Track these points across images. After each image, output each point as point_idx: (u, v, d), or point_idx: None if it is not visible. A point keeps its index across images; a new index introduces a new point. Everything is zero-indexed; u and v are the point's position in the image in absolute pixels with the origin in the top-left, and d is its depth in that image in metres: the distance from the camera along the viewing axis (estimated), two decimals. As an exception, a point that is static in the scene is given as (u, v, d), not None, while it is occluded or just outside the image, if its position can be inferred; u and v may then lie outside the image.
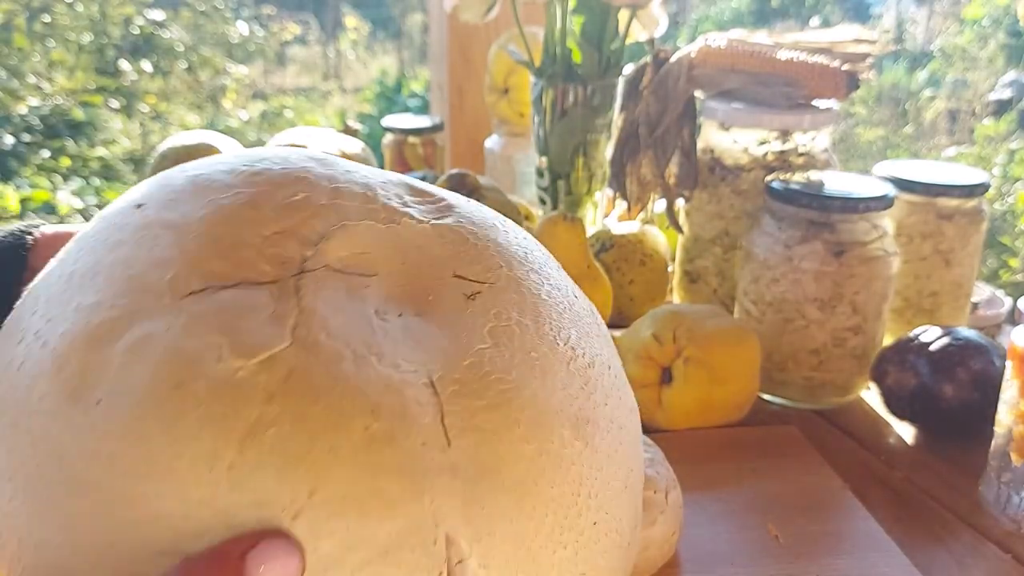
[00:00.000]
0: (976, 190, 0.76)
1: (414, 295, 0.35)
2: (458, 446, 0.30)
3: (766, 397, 0.73)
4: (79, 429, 0.29)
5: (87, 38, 3.81)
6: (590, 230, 0.85)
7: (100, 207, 2.20)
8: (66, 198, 2.27)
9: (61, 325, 0.31)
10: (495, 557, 0.30)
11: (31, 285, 0.34)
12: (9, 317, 0.33)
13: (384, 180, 0.38)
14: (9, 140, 2.71)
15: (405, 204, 0.37)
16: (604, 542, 0.34)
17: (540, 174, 0.90)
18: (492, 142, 1.13)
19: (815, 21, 4.92)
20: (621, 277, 0.81)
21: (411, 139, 1.13)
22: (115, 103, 3.59)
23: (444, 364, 0.32)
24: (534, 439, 0.32)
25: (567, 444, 0.32)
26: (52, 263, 0.34)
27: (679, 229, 0.83)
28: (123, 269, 0.32)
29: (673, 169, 0.80)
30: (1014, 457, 0.57)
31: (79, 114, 3.27)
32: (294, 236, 0.33)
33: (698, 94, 0.80)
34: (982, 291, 0.85)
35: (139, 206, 0.34)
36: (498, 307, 0.35)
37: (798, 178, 0.72)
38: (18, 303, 0.33)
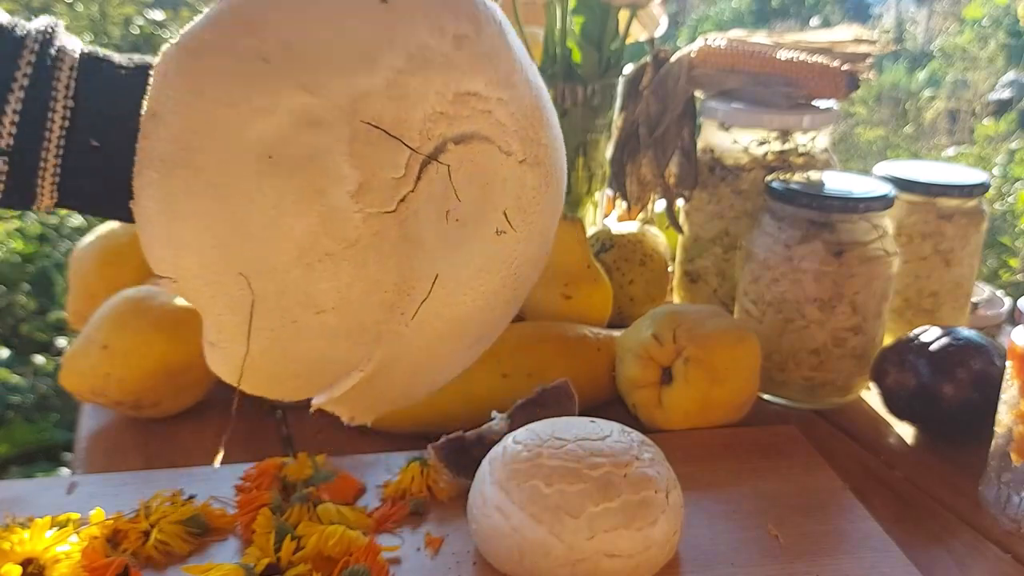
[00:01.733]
0: (976, 190, 0.76)
1: (475, 212, 0.44)
2: (415, 324, 0.45)
3: (766, 397, 0.73)
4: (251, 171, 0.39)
5: (87, 38, 3.81)
6: (590, 230, 0.85)
7: (100, 207, 2.21)
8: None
9: (275, 67, 0.39)
10: (380, 375, 0.47)
11: None
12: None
13: (531, 105, 0.46)
14: (9, 140, 2.71)
15: (524, 137, 0.45)
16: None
17: (540, 174, 0.90)
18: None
19: (815, 21, 4.92)
20: (621, 277, 0.81)
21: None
22: (115, 103, 3.57)
23: (449, 272, 0.44)
24: (451, 340, 0.48)
25: (464, 347, 0.50)
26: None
27: (679, 229, 0.83)
28: (332, 51, 0.39)
29: (673, 169, 0.80)
30: (1014, 457, 0.57)
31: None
32: (448, 123, 0.41)
33: (698, 94, 0.80)
34: (982, 291, 0.85)
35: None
36: (503, 252, 0.46)
37: (798, 178, 0.72)
38: None
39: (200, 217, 0.40)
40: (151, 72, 0.41)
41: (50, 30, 0.42)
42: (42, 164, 0.41)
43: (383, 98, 0.40)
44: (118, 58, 0.44)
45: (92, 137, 0.41)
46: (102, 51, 0.43)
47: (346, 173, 0.39)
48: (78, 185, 0.42)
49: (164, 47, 0.40)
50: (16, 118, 0.40)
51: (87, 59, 0.42)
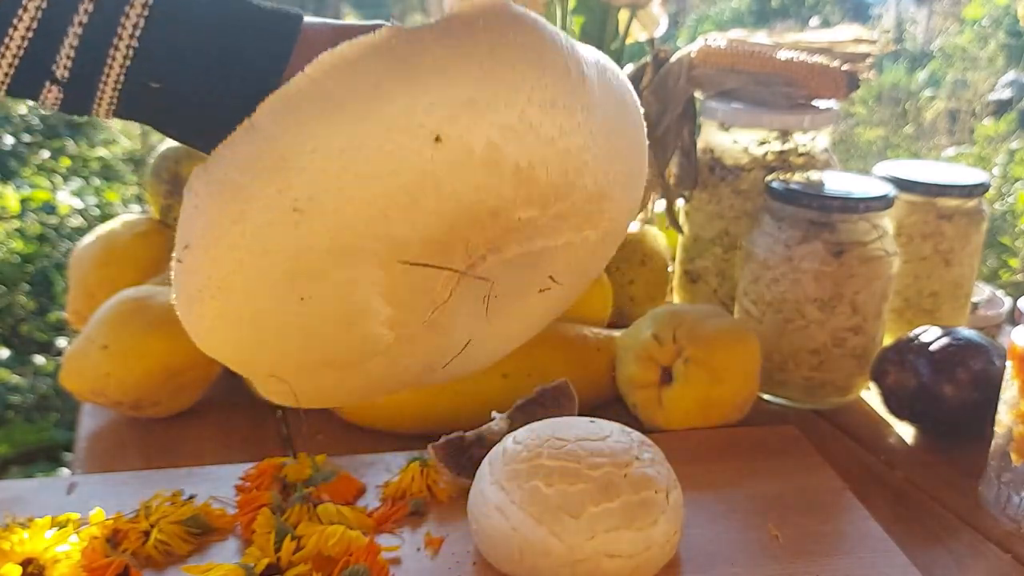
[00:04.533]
0: (976, 190, 0.75)
1: (514, 287, 0.45)
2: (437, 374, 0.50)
3: (766, 397, 0.73)
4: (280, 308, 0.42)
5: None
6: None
7: (100, 207, 2.20)
8: (66, 198, 2.27)
9: (312, 221, 0.39)
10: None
11: None
12: None
13: (602, 189, 0.45)
14: (9, 140, 2.71)
15: (588, 219, 0.45)
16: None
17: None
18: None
19: (815, 21, 4.92)
20: (621, 277, 0.81)
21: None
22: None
23: (478, 336, 0.47)
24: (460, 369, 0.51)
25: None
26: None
27: (679, 229, 0.83)
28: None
29: (673, 169, 0.80)
30: (1014, 457, 0.57)
31: (79, 114, 3.25)
32: (494, 248, 0.42)
33: (698, 94, 0.80)
34: (982, 291, 0.85)
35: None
36: (546, 306, 0.48)
37: (798, 178, 0.72)
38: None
39: (236, 333, 0.43)
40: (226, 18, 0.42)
41: None
42: (98, 96, 0.41)
43: (424, 244, 0.40)
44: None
45: (152, 79, 0.41)
46: None
47: (377, 308, 0.41)
48: (133, 116, 0.43)
49: (193, 171, 0.41)
50: (75, 47, 0.40)
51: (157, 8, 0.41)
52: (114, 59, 0.40)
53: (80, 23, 0.39)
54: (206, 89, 0.41)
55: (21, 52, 0.39)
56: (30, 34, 0.39)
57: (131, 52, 0.40)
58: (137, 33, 0.40)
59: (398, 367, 0.45)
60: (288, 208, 0.38)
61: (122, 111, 0.42)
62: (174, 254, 0.41)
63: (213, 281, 0.40)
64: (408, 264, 0.39)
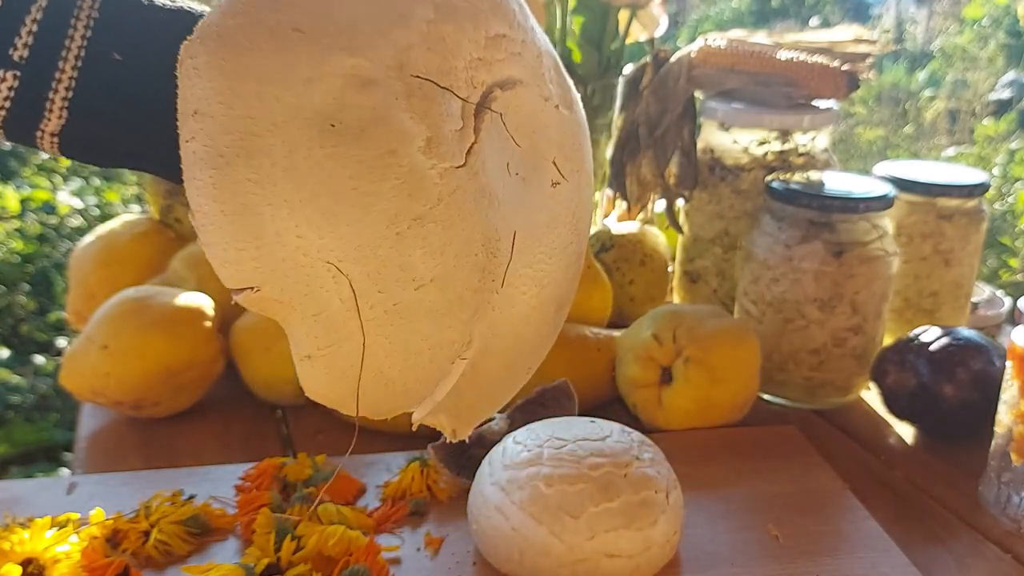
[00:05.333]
0: (976, 190, 0.76)
1: (527, 162, 0.42)
2: (503, 292, 0.41)
3: (766, 397, 0.73)
4: (315, 143, 0.37)
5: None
6: (590, 230, 0.85)
7: (100, 207, 2.20)
8: (66, 198, 2.27)
9: (313, 36, 0.37)
10: (479, 363, 0.41)
11: None
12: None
13: (545, 51, 0.44)
14: (9, 140, 2.71)
15: (552, 82, 0.44)
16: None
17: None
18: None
19: (815, 21, 4.92)
20: (621, 277, 0.81)
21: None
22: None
23: (523, 227, 0.42)
24: (537, 308, 0.43)
25: (547, 320, 0.45)
26: None
27: (679, 229, 0.83)
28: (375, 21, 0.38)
29: (673, 169, 0.80)
30: (1014, 457, 0.57)
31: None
32: (487, 69, 0.40)
33: (698, 94, 0.80)
34: (982, 291, 0.85)
35: None
36: (564, 204, 0.44)
37: (798, 178, 0.72)
38: None
39: (274, 206, 0.36)
40: (188, 12, 0.40)
41: None
42: (57, 75, 0.39)
43: (423, 50, 0.38)
44: None
45: (114, 49, 0.39)
46: None
47: (411, 129, 0.37)
48: (92, 103, 0.40)
49: (183, 45, 0.38)
50: (35, 28, 0.38)
51: None
52: (75, 29, 0.39)
53: (39, 7, 0.39)
54: (170, 61, 0.39)
55: None
56: None
57: (91, 23, 0.39)
58: (97, 4, 0.39)
59: (465, 264, 0.40)
60: (290, 31, 0.37)
61: (78, 109, 0.40)
62: (180, 124, 0.38)
63: (238, 138, 0.37)
64: (421, 79, 0.38)
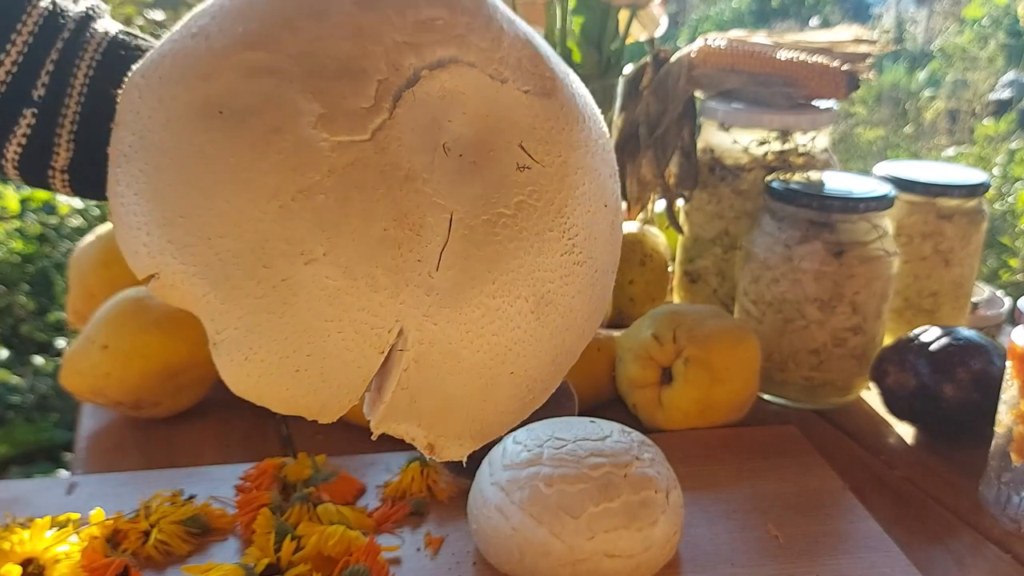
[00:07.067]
0: (976, 190, 0.76)
1: (480, 145, 0.40)
2: (442, 275, 0.38)
3: (766, 397, 0.73)
4: (198, 130, 0.37)
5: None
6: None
7: (100, 207, 2.20)
8: (66, 198, 2.27)
9: (219, 40, 0.38)
10: (426, 360, 0.38)
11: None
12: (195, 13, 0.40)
13: (514, 39, 0.43)
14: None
15: (518, 68, 0.42)
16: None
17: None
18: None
19: (815, 21, 4.92)
20: (621, 277, 0.81)
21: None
22: (115, 103, 3.58)
23: (468, 210, 0.39)
24: (499, 296, 0.39)
25: (522, 312, 0.40)
26: None
27: (679, 229, 0.83)
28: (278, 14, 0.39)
29: (673, 169, 0.80)
30: (1014, 457, 0.57)
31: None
32: (416, 52, 0.39)
33: (698, 94, 0.80)
34: (982, 291, 0.85)
35: None
36: (536, 187, 0.41)
37: (798, 178, 0.72)
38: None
39: (160, 193, 0.37)
40: None
41: (93, 11, 0.45)
42: (63, 111, 0.43)
43: (335, 39, 0.39)
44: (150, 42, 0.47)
45: (112, 87, 0.43)
46: (139, 37, 0.46)
47: (303, 106, 0.37)
48: (94, 133, 0.43)
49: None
50: (51, 68, 0.43)
51: (119, 37, 0.45)
52: (79, 68, 0.43)
53: (57, 48, 0.43)
54: None
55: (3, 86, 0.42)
56: (15, 68, 0.42)
57: (94, 63, 0.44)
58: (102, 48, 0.44)
59: (369, 239, 0.37)
60: (197, 35, 0.39)
61: (82, 139, 0.44)
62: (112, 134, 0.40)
63: (138, 136, 0.39)
64: (326, 62, 0.38)
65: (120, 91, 0.40)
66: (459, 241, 0.38)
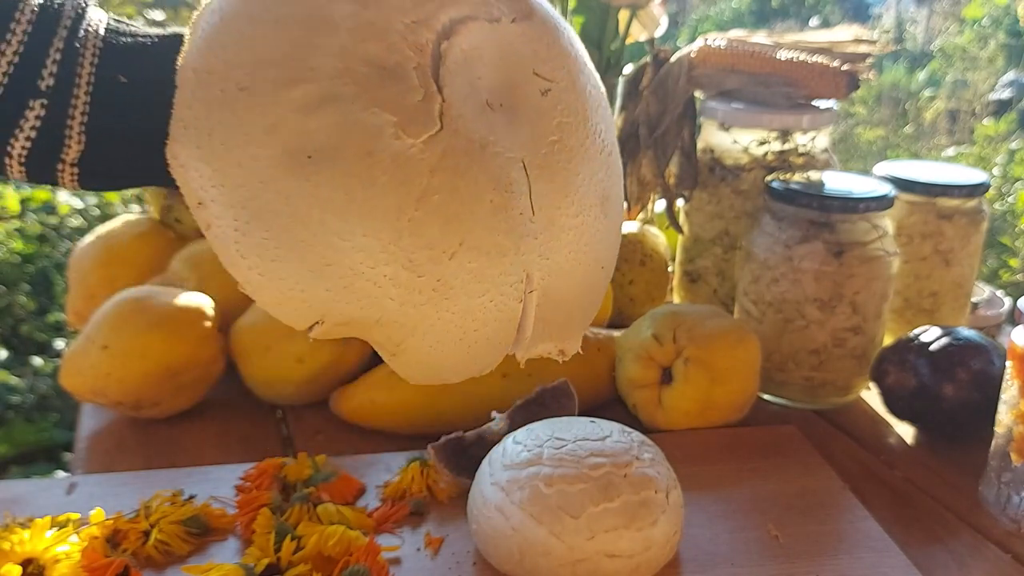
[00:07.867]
0: (976, 190, 0.76)
1: (508, 88, 0.43)
2: (539, 217, 0.42)
3: (766, 397, 0.73)
4: (299, 180, 0.38)
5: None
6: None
7: (100, 207, 2.20)
8: (66, 198, 2.27)
9: (255, 85, 0.38)
10: (549, 289, 0.44)
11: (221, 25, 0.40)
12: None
13: None
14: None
15: (500, 1, 0.43)
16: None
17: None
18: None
19: (815, 21, 4.92)
20: (621, 277, 0.81)
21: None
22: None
23: (529, 151, 0.42)
24: (579, 213, 0.44)
25: (596, 216, 0.45)
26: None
27: (679, 229, 0.83)
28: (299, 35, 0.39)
29: (673, 169, 0.80)
30: (1014, 457, 0.57)
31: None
32: (427, 27, 0.40)
33: (698, 94, 0.80)
34: (982, 291, 0.85)
35: None
36: (562, 104, 0.44)
37: (798, 178, 0.72)
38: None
39: (297, 251, 0.39)
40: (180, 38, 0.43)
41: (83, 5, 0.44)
42: (73, 102, 0.42)
43: (358, 44, 0.39)
44: (145, 30, 0.45)
45: (120, 73, 0.43)
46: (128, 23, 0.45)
47: (377, 122, 0.38)
48: (106, 123, 0.43)
49: (166, 151, 0.40)
50: (58, 56, 0.41)
51: (112, 24, 0.44)
52: (84, 57, 0.42)
53: (61, 37, 0.41)
54: (170, 77, 0.41)
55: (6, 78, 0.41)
56: (16, 58, 0.41)
57: (97, 50, 0.42)
58: (102, 33, 0.43)
59: (482, 212, 0.41)
60: (237, 90, 0.39)
61: (94, 131, 0.43)
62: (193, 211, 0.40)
63: (237, 213, 0.39)
64: (367, 70, 0.39)
65: (164, 146, 0.39)
66: (537, 182, 0.43)
